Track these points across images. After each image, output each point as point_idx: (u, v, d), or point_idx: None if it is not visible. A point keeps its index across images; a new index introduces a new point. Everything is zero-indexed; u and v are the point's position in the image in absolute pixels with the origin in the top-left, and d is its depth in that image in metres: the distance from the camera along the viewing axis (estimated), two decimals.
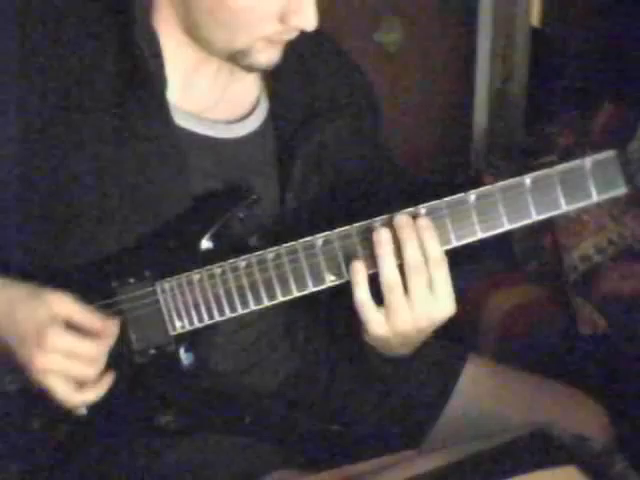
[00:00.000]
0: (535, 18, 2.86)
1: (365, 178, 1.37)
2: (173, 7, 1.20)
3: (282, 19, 1.16)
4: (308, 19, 1.16)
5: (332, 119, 1.32)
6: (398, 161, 1.47)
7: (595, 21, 2.73)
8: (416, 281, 1.13)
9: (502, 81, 2.75)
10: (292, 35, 1.20)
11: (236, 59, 1.20)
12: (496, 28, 2.70)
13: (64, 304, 1.13)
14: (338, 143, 1.32)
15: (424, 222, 1.13)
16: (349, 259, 1.15)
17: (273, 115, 1.30)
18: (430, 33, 2.66)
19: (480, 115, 2.76)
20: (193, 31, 1.20)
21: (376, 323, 1.14)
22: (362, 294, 1.14)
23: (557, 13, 2.86)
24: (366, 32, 2.56)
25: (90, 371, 1.14)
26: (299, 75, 1.32)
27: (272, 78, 1.30)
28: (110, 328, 1.15)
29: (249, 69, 1.23)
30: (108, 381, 1.16)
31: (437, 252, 1.13)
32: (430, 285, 1.13)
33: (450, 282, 1.15)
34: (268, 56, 1.20)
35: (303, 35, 1.21)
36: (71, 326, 1.13)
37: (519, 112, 2.79)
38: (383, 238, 1.13)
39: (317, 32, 1.35)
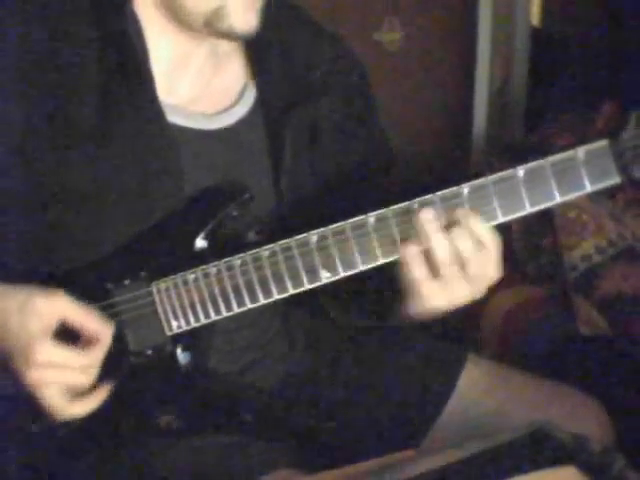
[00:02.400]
0: (535, 18, 2.86)
1: (361, 161, 1.36)
2: None
3: None
4: None
5: (319, 100, 1.31)
6: (393, 147, 1.46)
7: (595, 21, 2.73)
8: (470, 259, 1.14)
9: (502, 81, 2.75)
10: None
11: (213, 24, 1.19)
12: (496, 28, 2.70)
13: (57, 308, 1.11)
14: (329, 124, 1.32)
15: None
16: (345, 254, 1.15)
17: (261, 102, 1.29)
18: (430, 33, 2.66)
19: (480, 115, 2.76)
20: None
21: (434, 295, 1.15)
22: (419, 272, 1.14)
23: (557, 13, 2.87)
24: (366, 32, 2.56)
25: (83, 379, 1.13)
26: (284, 59, 1.31)
27: (257, 64, 1.30)
28: (104, 333, 1.13)
29: (229, 36, 1.21)
30: (104, 392, 1.14)
31: (480, 230, 1.13)
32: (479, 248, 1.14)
33: (498, 240, 1.15)
34: (244, 18, 1.19)
35: (285, 18, 1.21)
36: (66, 330, 1.12)
37: (519, 112, 2.79)
38: (430, 216, 1.13)
39: (299, 14, 1.34)
